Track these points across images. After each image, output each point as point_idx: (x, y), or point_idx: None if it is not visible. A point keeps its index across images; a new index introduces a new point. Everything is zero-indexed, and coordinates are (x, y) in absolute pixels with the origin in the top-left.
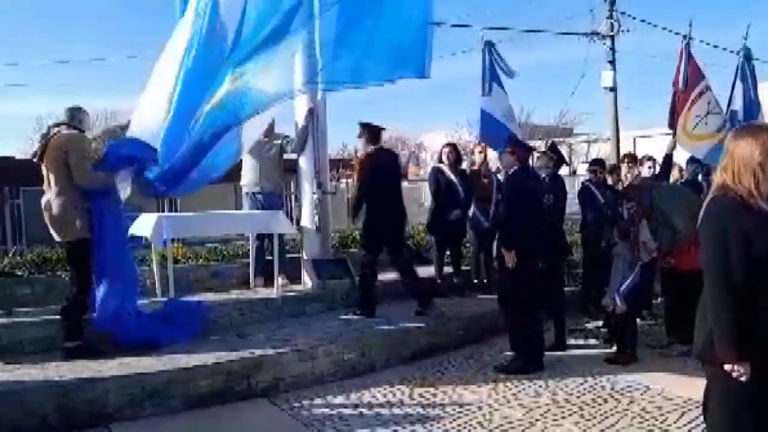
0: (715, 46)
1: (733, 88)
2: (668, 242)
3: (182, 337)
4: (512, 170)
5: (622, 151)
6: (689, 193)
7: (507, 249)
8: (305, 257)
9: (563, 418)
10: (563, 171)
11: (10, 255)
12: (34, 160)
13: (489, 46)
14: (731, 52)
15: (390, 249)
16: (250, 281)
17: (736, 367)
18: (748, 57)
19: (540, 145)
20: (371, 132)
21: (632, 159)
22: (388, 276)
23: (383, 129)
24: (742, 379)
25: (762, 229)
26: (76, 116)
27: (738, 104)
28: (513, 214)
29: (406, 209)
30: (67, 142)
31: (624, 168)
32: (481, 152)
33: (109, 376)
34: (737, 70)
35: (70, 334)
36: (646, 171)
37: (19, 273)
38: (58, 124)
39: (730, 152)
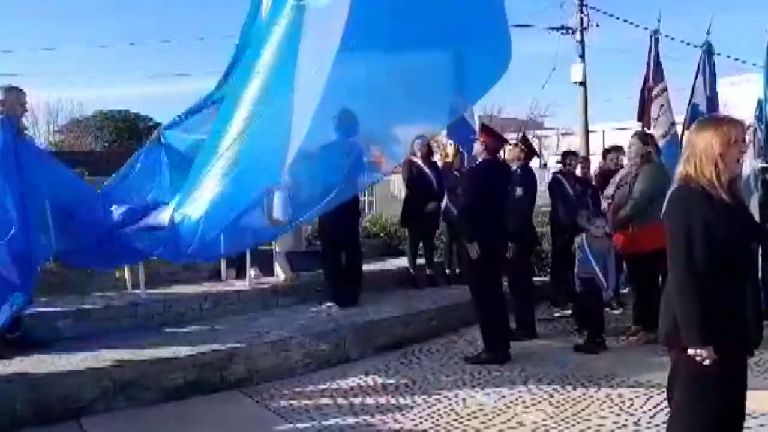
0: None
1: (695, 82)
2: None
3: None
4: (479, 160)
5: (592, 144)
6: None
7: (468, 241)
8: (278, 249)
9: (534, 404)
10: (534, 164)
11: None
12: None
13: None
14: (695, 46)
15: (345, 242)
16: (222, 273)
17: (699, 351)
18: (709, 52)
19: (513, 137)
20: None
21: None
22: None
23: None
24: (706, 363)
25: (723, 218)
26: None
27: (699, 98)
28: (474, 206)
29: (378, 201)
30: None
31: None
32: (453, 145)
33: (79, 369)
34: (699, 64)
35: None
36: (609, 162)
37: None
38: None
39: (691, 144)
